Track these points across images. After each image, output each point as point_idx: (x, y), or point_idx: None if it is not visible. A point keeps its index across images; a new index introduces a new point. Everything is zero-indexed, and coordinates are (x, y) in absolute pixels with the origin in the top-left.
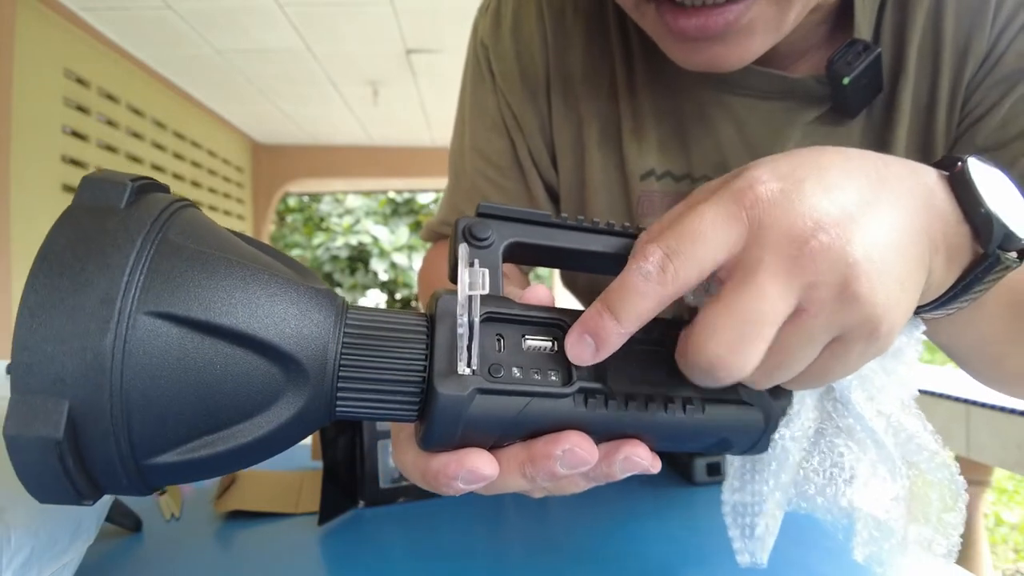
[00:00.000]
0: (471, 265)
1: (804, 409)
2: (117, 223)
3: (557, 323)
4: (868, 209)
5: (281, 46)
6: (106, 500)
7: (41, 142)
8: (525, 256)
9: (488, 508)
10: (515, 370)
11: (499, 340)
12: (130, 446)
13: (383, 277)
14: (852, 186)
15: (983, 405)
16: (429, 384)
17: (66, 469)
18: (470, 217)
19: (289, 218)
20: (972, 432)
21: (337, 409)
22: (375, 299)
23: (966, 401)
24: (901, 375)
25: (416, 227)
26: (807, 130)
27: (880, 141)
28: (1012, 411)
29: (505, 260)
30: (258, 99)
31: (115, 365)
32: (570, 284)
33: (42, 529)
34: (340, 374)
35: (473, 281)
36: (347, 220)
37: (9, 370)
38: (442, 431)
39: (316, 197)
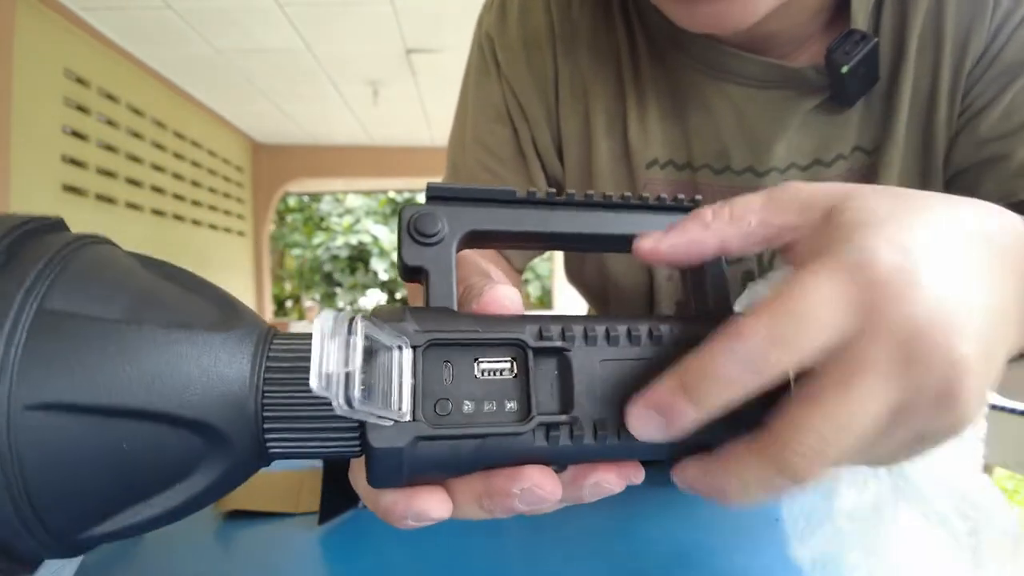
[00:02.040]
0: (350, 332)
1: (865, 485)
2: None
3: (515, 342)
4: (981, 291)
5: (281, 46)
6: None
7: (41, 142)
8: (488, 243)
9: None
10: (466, 404)
11: (447, 367)
12: (50, 536)
13: (383, 277)
14: (971, 264)
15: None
16: (363, 429)
17: None
18: (417, 205)
19: (289, 218)
20: None
21: (271, 453)
22: (375, 299)
23: None
24: (967, 443)
25: None
26: (806, 119)
27: (879, 131)
28: (1012, 411)
29: (463, 249)
30: (258, 99)
31: (8, 470)
32: (576, 278)
33: None
34: (266, 425)
35: (338, 359)
36: (347, 220)
37: None
38: (384, 478)
39: (316, 197)
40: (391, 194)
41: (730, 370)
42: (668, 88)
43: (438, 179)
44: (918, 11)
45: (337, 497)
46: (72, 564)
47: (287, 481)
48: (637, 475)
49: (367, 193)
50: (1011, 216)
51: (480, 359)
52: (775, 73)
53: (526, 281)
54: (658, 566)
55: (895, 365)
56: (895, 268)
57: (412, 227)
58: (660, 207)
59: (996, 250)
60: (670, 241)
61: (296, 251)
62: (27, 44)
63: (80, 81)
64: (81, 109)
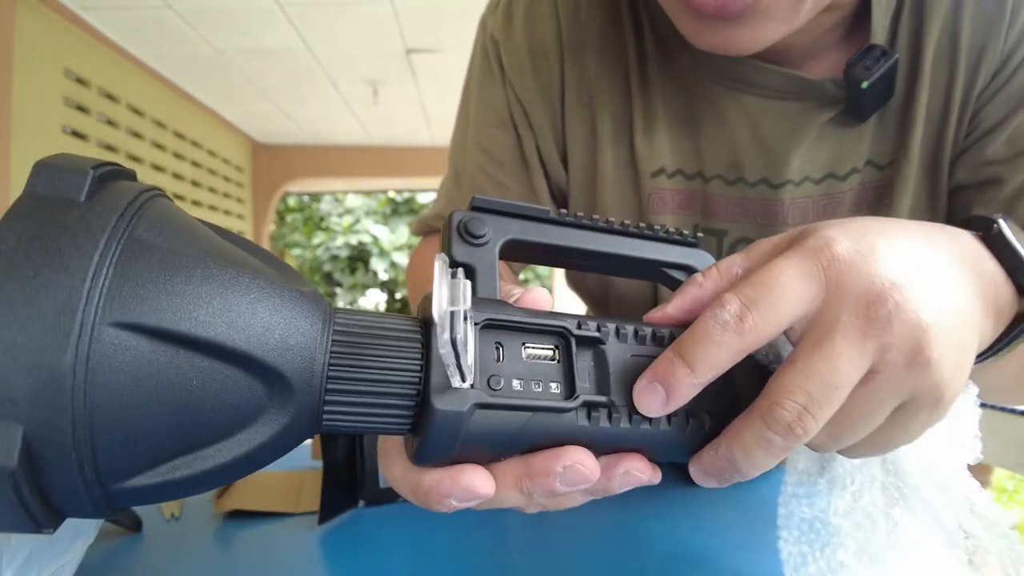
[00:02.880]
0: (453, 276)
1: (861, 482)
2: (76, 219)
3: (559, 330)
4: (935, 275)
5: (281, 46)
6: None
7: (41, 142)
8: (522, 254)
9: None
10: (515, 382)
11: (498, 348)
12: (96, 472)
13: (383, 277)
14: (919, 252)
15: (983, 405)
16: (425, 397)
17: (22, 500)
18: (465, 211)
19: (289, 218)
20: None
21: (324, 422)
22: (375, 299)
23: None
24: (961, 441)
25: None
26: (821, 131)
27: (894, 146)
28: (1012, 411)
29: (501, 258)
30: (258, 99)
31: (77, 384)
32: (577, 285)
33: None
34: (328, 386)
35: (454, 295)
36: (347, 220)
37: None
38: (438, 447)
39: (316, 197)
40: (391, 194)
41: (714, 332)
42: (679, 96)
43: (438, 179)
44: (934, 28)
45: (337, 497)
46: (72, 564)
47: (287, 481)
48: (658, 474)
49: (367, 193)
50: (961, 232)
51: (527, 343)
52: (794, 85)
53: (526, 281)
54: (658, 566)
55: (859, 326)
56: (852, 250)
57: (463, 228)
58: (674, 240)
59: (952, 257)
60: (675, 305)
61: (296, 251)
62: (27, 44)
63: (80, 81)
64: (81, 109)
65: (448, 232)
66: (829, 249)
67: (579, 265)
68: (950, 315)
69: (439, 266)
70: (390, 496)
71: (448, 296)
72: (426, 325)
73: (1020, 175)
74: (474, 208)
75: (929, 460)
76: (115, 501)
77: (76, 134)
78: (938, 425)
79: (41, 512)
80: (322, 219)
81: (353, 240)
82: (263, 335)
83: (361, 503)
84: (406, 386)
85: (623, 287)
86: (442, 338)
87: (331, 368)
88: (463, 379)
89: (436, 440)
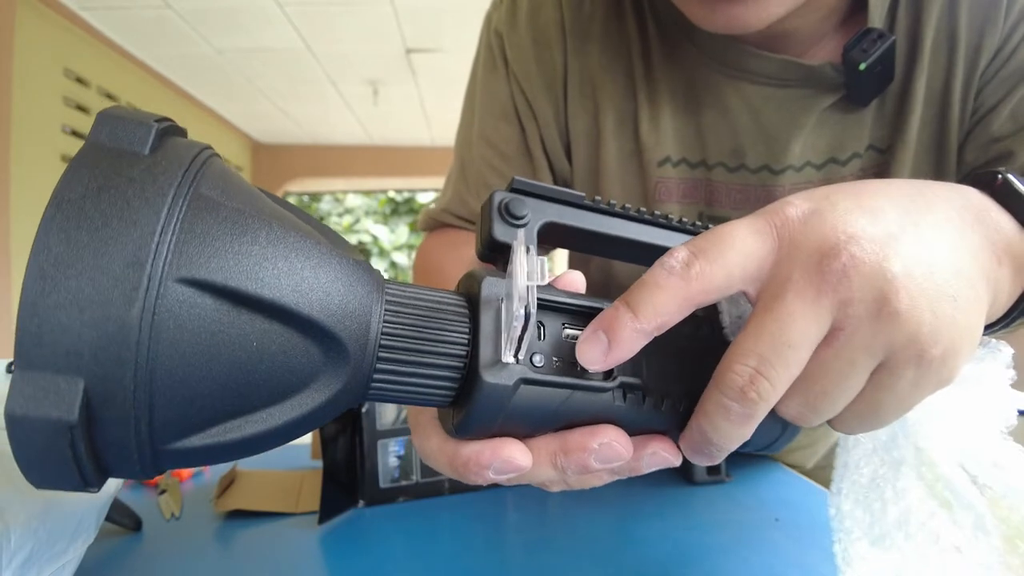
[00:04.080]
0: (528, 252)
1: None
2: (143, 172)
3: (598, 312)
4: (910, 227)
5: (281, 46)
6: (106, 499)
7: (41, 142)
8: (556, 238)
9: (488, 507)
10: (555, 360)
11: (540, 328)
12: (150, 431)
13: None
14: (891, 206)
15: None
16: (471, 370)
17: (76, 455)
18: (505, 192)
19: None
20: None
21: (371, 391)
22: None
23: None
24: (985, 407)
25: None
26: (821, 117)
27: (893, 129)
28: None
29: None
30: (258, 98)
31: (142, 339)
32: (581, 268)
33: (42, 528)
34: (380, 354)
35: (532, 270)
36: (347, 219)
37: (9, 368)
38: (481, 420)
39: (316, 196)
40: (391, 194)
41: (660, 276)
42: (681, 85)
43: (437, 178)
44: (932, 10)
45: (337, 497)
46: (72, 564)
47: (287, 481)
48: (680, 456)
49: (367, 193)
50: (965, 188)
51: (567, 324)
52: (793, 71)
53: None
54: (657, 566)
55: (812, 282)
56: (808, 209)
57: (504, 208)
58: (701, 231)
59: (951, 207)
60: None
61: None
62: (27, 44)
63: (80, 81)
64: (81, 109)
65: (489, 211)
66: (783, 210)
67: (609, 252)
68: (931, 264)
69: (519, 241)
70: (390, 496)
71: (527, 271)
72: (470, 300)
73: None
74: (513, 190)
75: (950, 440)
76: (162, 462)
77: (76, 134)
78: (956, 393)
79: (90, 470)
80: (322, 219)
81: (353, 240)
82: (325, 300)
83: (361, 503)
84: (454, 358)
85: (624, 276)
86: (517, 312)
87: (383, 337)
88: (517, 354)
89: (482, 412)
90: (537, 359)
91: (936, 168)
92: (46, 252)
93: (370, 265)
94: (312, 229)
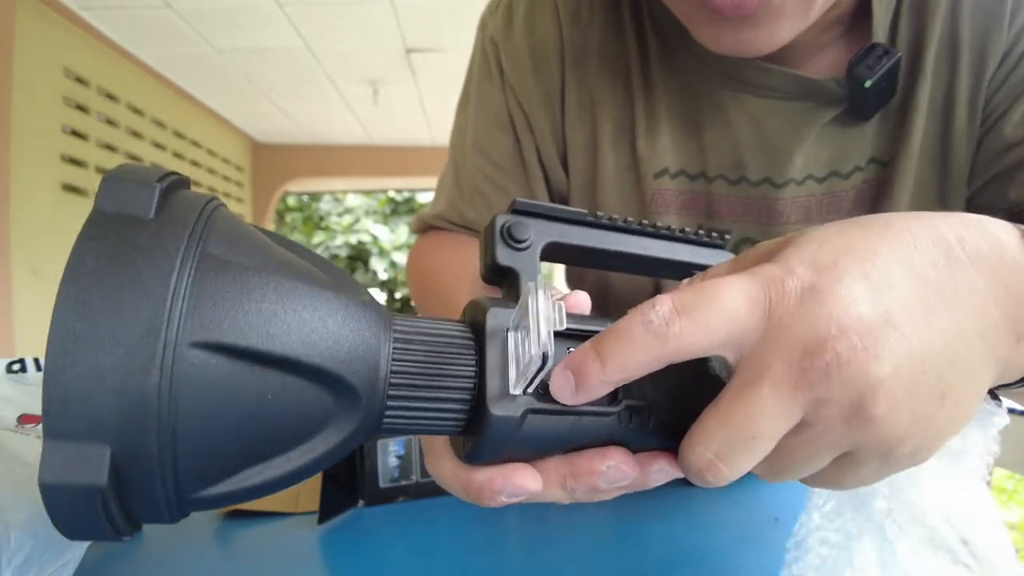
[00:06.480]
0: (544, 295)
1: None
2: (149, 238)
3: None
4: (919, 310)
5: (281, 46)
6: None
7: (41, 141)
8: (560, 256)
9: (488, 507)
10: None
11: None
12: (176, 484)
13: (383, 276)
14: (907, 277)
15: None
16: (479, 402)
17: (108, 514)
18: (507, 215)
19: (289, 217)
20: None
21: (384, 425)
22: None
23: None
24: (960, 482)
25: None
26: (823, 130)
27: (895, 142)
28: (1011, 411)
29: (540, 260)
30: (258, 98)
31: (162, 405)
32: (577, 283)
33: (41, 529)
34: (390, 392)
35: (548, 314)
36: (347, 219)
37: (9, 368)
38: (491, 450)
39: (316, 196)
40: (391, 194)
41: (635, 331)
42: (681, 97)
43: (437, 178)
44: (935, 22)
45: (337, 497)
46: (72, 564)
47: None
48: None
49: (367, 193)
50: (1000, 225)
51: (571, 349)
52: (796, 85)
53: None
54: (657, 566)
55: (791, 376)
56: (807, 285)
57: (506, 232)
58: (703, 242)
59: (965, 263)
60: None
61: None
62: (27, 44)
63: (80, 80)
64: (81, 108)
65: (491, 236)
66: (782, 282)
67: (613, 266)
68: (924, 358)
69: (535, 287)
70: (390, 496)
71: (545, 316)
72: (475, 329)
73: None
74: (515, 211)
75: (918, 511)
76: (188, 508)
77: (76, 133)
78: (937, 462)
79: (121, 523)
80: (322, 219)
81: (353, 239)
82: (333, 348)
83: (361, 503)
84: (462, 391)
85: (621, 288)
86: (535, 354)
87: (392, 375)
88: (527, 389)
89: (491, 443)
90: (543, 387)
91: (940, 180)
92: (64, 327)
93: (377, 304)
94: (319, 271)
